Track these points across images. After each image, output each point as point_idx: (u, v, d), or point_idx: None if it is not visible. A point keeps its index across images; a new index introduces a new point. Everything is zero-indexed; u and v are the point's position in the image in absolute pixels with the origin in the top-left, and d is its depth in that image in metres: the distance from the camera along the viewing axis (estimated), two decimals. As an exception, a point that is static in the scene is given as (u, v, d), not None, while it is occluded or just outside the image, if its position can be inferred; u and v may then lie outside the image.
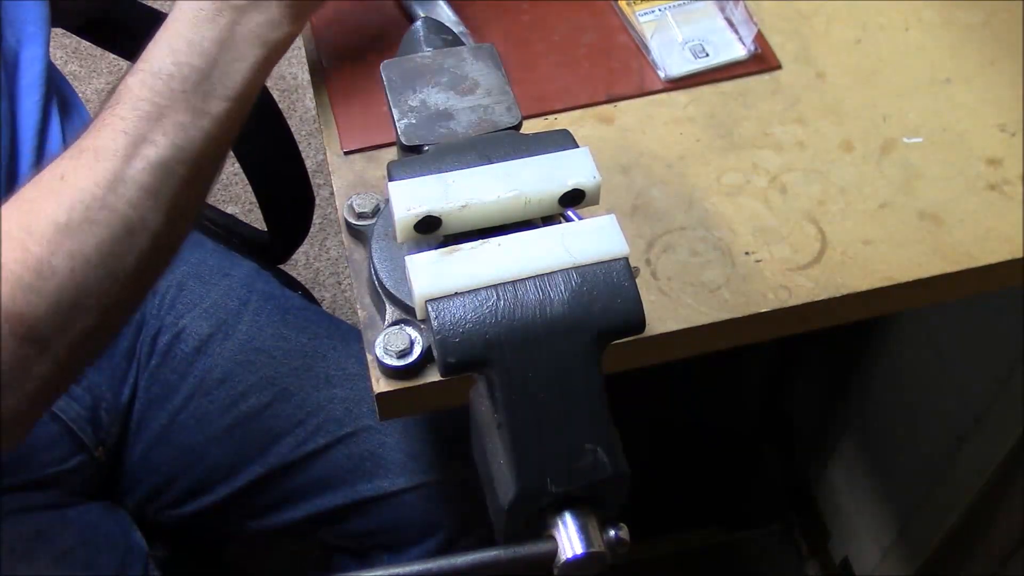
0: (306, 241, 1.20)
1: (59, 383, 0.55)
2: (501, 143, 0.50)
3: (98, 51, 1.96)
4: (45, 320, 0.50)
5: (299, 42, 0.68)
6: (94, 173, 0.52)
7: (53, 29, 0.74)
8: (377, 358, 0.58)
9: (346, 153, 0.70)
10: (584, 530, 0.44)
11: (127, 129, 0.54)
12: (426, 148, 0.53)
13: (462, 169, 0.48)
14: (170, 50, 0.56)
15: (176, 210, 0.56)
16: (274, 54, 0.59)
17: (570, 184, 0.47)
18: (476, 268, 0.44)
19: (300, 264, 1.77)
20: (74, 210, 0.52)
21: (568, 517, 0.44)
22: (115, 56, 1.14)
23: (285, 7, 0.59)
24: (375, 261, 0.60)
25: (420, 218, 0.46)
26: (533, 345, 0.42)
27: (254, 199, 1.01)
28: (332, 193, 0.69)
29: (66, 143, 0.60)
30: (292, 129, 1.00)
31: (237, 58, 0.57)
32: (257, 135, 0.97)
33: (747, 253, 0.65)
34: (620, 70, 0.75)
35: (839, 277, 0.63)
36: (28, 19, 0.71)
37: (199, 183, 0.58)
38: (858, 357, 1.21)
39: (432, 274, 0.43)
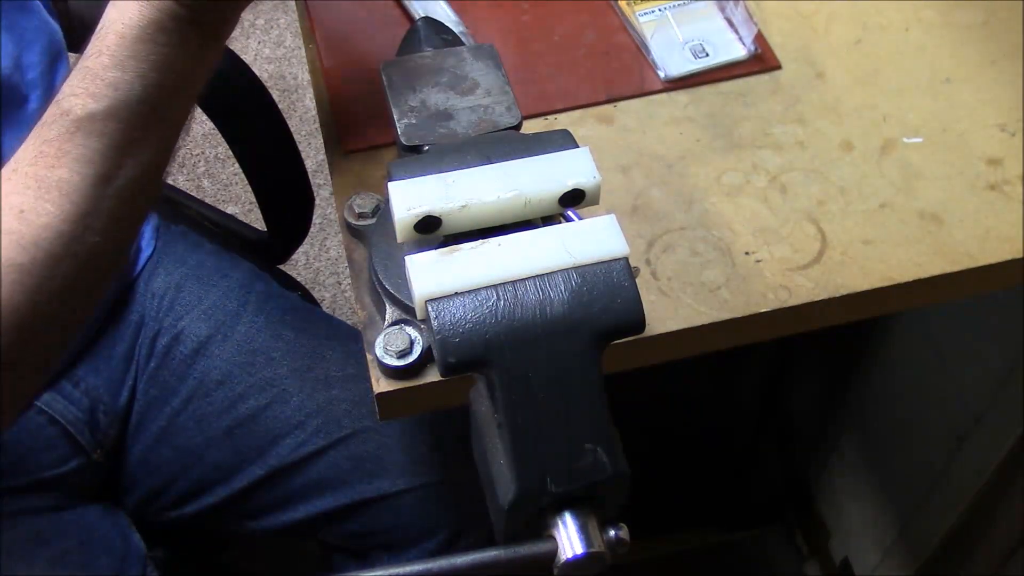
0: (306, 241, 1.20)
1: (30, 390, 0.54)
2: (501, 143, 0.49)
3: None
4: (9, 350, 0.49)
5: (299, 42, 0.68)
6: (59, 209, 0.49)
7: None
8: (377, 358, 0.58)
9: (346, 153, 0.70)
10: (584, 530, 0.44)
11: (94, 159, 0.50)
12: (426, 148, 0.53)
13: (462, 169, 0.47)
14: (138, 75, 0.50)
15: (141, 220, 0.54)
16: (218, 52, 0.55)
17: (570, 184, 0.47)
18: (476, 268, 0.44)
19: (300, 264, 1.77)
20: (38, 249, 0.49)
21: (568, 517, 0.44)
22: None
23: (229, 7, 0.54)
24: (375, 261, 0.60)
25: (420, 218, 0.46)
26: (533, 345, 0.42)
27: (254, 199, 1.01)
28: (332, 193, 0.69)
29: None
30: (292, 129, 1.00)
31: (198, 68, 0.53)
32: (257, 135, 0.97)
33: (747, 253, 0.65)
34: (620, 70, 0.75)
35: (839, 277, 0.63)
36: (28, 26, 0.71)
37: (159, 185, 0.55)
38: (858, 357, 1.21)
39: (432, 274, 0.43)
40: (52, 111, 0.51)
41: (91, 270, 0.51)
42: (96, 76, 0.50)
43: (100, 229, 0.51)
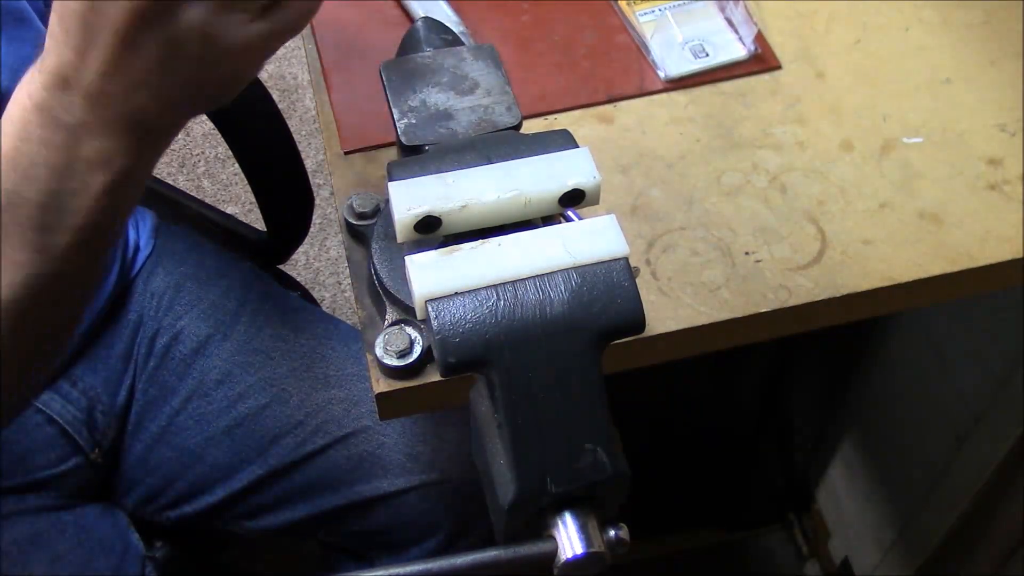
0: (306, 241, 1.20)
1: None
2: (501, 143, 0.49)
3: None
4: None
5: (299, 42, 0.68)
6: None
7: None
8: (377, 358, 0.58)
9: (346, 153, 0.70)
10: (584, 530, 0.44)
11: None
12: (426, 148, 0.53)
13: (462, 169, 0.47)
14: (49, 258, 0.48)
15: (23, 357, 0.52)
16: (122, 180, 0.48)
17: (570, 184, 0.47)
18: (476, 268, 0.44)
19: (300, 264, 1.77)
20: None
21: (568, 517, 0.44)
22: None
23: (130, 137, 0.48)
24: (375, 261, 0.60)
25: (420, 218, 0.46)
26: (533, 345, 0.42)
27: (254, 199, 1.01)
28: (332, 193, 0.69)
29: None
30: (292, 129, 1.00)
31: (77, 187, 0.48)
32: (257, 135, 0.97)
33: (747, 253, 0.65)
34: (620, 70, 0.75)
35: (839, 277, 0.63)
36: (26, 38, 0.71)
37: (49, 323, 0.52)
38: (858, 357, 1.21)
39: (432, 274, 0.43)
40: None
41: None
42: None
43: None
